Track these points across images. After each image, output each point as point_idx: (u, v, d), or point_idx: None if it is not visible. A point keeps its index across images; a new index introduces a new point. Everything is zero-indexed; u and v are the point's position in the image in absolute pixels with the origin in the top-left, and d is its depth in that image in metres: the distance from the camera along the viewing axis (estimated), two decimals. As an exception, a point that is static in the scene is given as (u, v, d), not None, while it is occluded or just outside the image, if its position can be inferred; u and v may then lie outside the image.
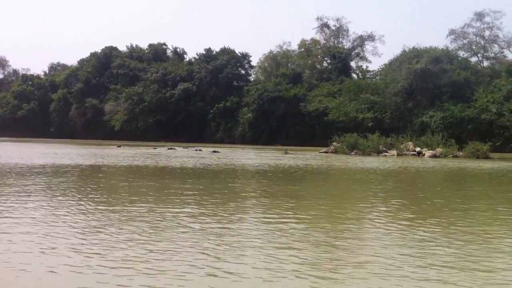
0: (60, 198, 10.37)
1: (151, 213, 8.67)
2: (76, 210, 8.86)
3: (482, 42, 67.70)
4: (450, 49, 65.97)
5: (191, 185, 13.66)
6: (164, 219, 8.09)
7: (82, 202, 9.77)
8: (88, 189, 12.17)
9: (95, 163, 21.85)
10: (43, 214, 8.36)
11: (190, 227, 7.47)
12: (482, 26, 67.02)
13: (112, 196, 10.88)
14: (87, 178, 15.59)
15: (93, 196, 10.84)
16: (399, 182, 17.72)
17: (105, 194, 11.23)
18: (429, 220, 8.54)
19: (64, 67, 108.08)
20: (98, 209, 9.02)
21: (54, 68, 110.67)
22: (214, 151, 38.57)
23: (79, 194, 11.04)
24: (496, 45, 67.63)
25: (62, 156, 27.06)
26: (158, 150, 40.07)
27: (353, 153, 40.05)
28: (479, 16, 66.51)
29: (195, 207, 9.53)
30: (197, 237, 6.81)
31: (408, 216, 9.13)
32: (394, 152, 39.43)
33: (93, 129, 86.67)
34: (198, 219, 8.21)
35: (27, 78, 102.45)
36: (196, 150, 42.23)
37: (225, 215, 8.73)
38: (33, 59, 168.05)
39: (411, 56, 62.70)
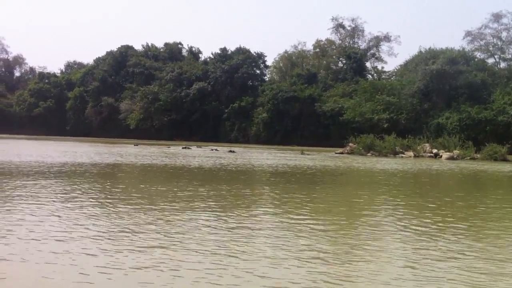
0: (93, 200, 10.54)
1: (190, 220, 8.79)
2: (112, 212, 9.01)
3: (499, 43, 67.04)
4: (467, 50, 65.51)
5: (213, 187, 13.78)
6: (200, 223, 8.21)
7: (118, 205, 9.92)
8: (120, 192, 12.33)
9: (115, 162, 22.05)
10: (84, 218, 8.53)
11: (216, 227, 7.60)
12: (499, 27, 66.39)
13: (145, 201, 11.03)
14: (115, 179, 15.75)
15: (132, 200, 10.99)
16: (420, 185, 17.69)
17: (142, 199, 11.37)
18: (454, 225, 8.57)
19: (80, 65, 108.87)
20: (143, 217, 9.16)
21: (71, 66, 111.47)
22: (230, 151, 38.71)
23: (111, 196, 11.20)
24: (513, 47, 66.94)
25: (81, 154, 27.31)
26: (174, 149, 40.28)
27: (369, 154, 39.99)
28: (496, 17, 65.88)
29: (220, 210, 9.65)
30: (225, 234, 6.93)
31: (430, 220, 9.16)
32: (411, 153, 39.30)
33: (109, 127, 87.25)
34: (223, 219, 8.34)
35: (43, 76, 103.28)
36: (212, 149, 42.41)
37: (247, 216, 8.82)
38: (49, 57, 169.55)
39: (427, 57, 62.30)
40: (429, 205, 11.16)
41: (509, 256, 6.43)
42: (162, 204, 9.81)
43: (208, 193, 11.74)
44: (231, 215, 8.76)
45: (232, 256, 5.98)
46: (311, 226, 8.02)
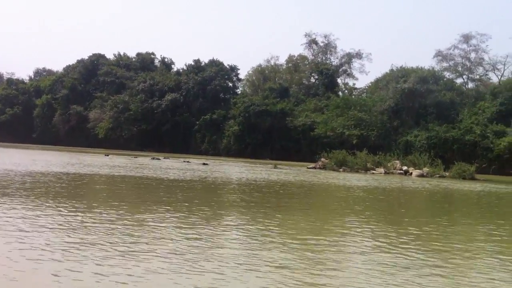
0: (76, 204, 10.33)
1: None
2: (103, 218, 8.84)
3: (467, 64, 68.75)
4: (436, 69, 66.95)
5: (197, 199, 13.68)
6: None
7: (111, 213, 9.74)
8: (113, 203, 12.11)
9: (92, 172, 21.69)
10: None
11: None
12: (468, 48, 68.11)
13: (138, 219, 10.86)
14: (98, 191, 15.48)
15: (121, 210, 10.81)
16: (394, 202, 17.92)
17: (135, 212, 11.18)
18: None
19: (50, 72, 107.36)
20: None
21: (40, 73, 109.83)
22: (204, 163, 38.53)
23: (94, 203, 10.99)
24: (481, 68, 68.81)
25: (55, 163, 26.78)
26: (143, 160, 39.84)
27: (341, 169, 40.31)
28: (466, 38, 67.56)
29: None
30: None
31: (405, 239, 9.26)
32: (382, 170, 39.74)
33: (77, 136, 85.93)
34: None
35: (11, 82, 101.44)
36: (184, 161, 42.16)
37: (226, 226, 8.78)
38: (18, 63, 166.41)
39: (398, 75, 63.48)
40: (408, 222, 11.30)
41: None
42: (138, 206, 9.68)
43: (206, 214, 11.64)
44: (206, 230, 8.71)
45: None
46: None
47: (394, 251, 7.74)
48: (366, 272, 6.34)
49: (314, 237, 8.67)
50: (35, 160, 29.24)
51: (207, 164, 38.32)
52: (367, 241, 8.60)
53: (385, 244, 8.28)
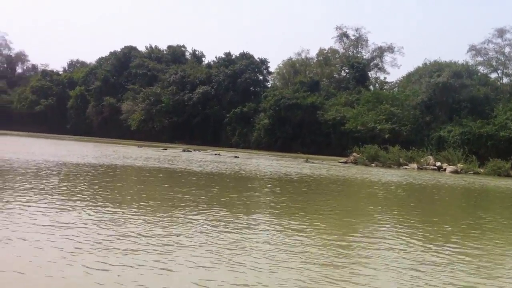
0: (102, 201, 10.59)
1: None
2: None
3: (502, 58, 67.41)
4: (470, 64, 65.78)
5: (238, 193, 13.85)
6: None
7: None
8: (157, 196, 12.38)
9: (128, 164, 22.09)
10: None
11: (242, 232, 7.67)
12: (502, 43, 66.78)
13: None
14: (142, 183, 15.79)
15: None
16: (433, 199, 17.81)
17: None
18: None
19: (83, 64, 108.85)
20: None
21: (73, 65, 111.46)
22: (235, 156, 38.80)
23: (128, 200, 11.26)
24: (516, 62, 67.31)
25: (98, 156, 27.34)
26: (174, 152, 40.28)
27: (373, 164, 40.10)
28: (500, 32, 66.21)
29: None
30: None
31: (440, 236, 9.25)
32: (415, 165, 39.42)
33: (109, 127, 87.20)
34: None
35: (46, 74, 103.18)
36: (215, 154, 42.50)
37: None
38: (52, 55, 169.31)
39: (432, 69, 62.54)
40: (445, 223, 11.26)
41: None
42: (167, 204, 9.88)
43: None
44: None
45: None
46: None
47: (434, 249, 7.76)
48: (399, 271, 6.38)
49: (349, 236, 8.74)
50: (70, 151, 29.88)
51: (238, 157, 38.58)
52: (406, 239, 8.63)
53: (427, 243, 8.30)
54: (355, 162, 41.59)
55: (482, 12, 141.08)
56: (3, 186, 11.44)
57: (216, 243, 7.07)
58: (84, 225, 7.71)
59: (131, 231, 7.47)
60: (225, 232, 7.92)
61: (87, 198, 10.57)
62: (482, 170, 38.79)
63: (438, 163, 39.97)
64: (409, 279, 5.95)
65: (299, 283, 5.53)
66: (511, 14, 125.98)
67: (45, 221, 7.76)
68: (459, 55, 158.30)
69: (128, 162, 23.68)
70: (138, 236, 7.17)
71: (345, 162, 42.20)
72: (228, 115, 76.73)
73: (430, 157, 41.68)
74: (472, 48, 67.81)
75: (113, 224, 7.95)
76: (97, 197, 10.90)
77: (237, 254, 6.58)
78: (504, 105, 57.17)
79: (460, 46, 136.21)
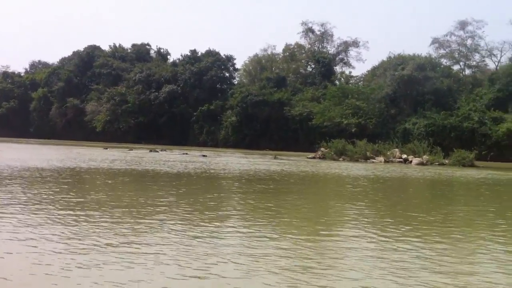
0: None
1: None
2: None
3: (464, 50, 68.78)
4: (433, 57, 66.89)
5: (209, 194, 13.65)
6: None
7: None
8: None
9: (94, 166, 21.62)
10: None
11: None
12: (464, 35, 68.17)
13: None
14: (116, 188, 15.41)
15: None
16: (401, 192, 17.93)
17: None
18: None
19: (45, 65, 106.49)
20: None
21: (35, 66, 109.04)
22: (203, 155, 38.50)
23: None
24: (478, 54, 68.84)
25: (64, 159, 26.68)
26: (141, 153, 39.76)
27: (341, 159, 40.37)
28: (462, 25, 67.58)
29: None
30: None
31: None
32: (381, 158, 39.82)
33: (74, 129, 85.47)
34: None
35: (7, 76, 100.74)
36: (183, 153, 42.08)
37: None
38: (13, 56, 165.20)
39: (396, 62, 63.34)
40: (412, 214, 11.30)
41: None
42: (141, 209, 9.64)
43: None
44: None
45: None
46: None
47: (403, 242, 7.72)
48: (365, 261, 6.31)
49: (319, 227, 8.65)
50: (34, 155, 29.14)
51: (206, 155, 38.30)
52: (374, 233, 8.59)
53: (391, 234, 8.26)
54: (323, 157, 41.79)
55: (444, 5, 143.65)
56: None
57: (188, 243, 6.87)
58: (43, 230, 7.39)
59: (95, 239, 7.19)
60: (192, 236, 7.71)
61: (50, 203, 10.20)
62: (447, 161, 39.48)
63: (404, 156, 40.46)
64: (378, 277, 5.85)
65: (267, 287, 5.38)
66: (473, 6, 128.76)
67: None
68: (422, 48, 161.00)
69: (94, 164, 23.18)
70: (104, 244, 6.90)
71: (313, 158, 42.33)
72: (195, 114, 76.26)
73: (396, 149, 42.17)
74: (435, 41, 69.10)
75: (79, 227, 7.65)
76: (60, 202, 10.53)
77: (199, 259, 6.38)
78: (466, 96, 58.37)
79: (423, 39, 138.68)
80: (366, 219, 10.26)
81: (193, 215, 9.67)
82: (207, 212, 10.10)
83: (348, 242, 7.74)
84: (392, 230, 8.92)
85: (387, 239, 8.05)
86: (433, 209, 12.46)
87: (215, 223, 8.90)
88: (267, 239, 7.74)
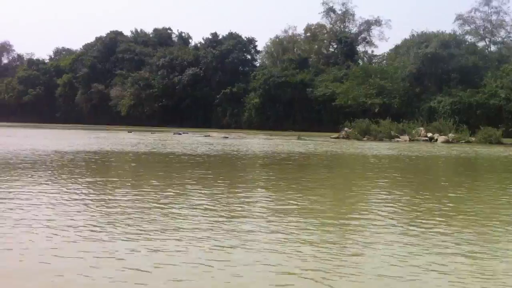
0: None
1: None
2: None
3: (489, 26, 67.57)
4: (458, 33, 65.91)
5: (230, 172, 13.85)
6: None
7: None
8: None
9: (129, 150, 22.02)
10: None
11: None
12: (489, 11, 67.00)
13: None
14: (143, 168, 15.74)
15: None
16: (428, 170, 17.91)
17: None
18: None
19: (69, 51, 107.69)
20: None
21: (59, 52, 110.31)
22: (225, 137, 38.75)
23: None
24: (503, 30, 67.65)
25: (96, 143, 27.23)
26: (163, 136, 40.19)
27: (365, 138, 40.28)
28: (487, 0, 66.30)
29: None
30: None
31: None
32: (406, 137, 39.64)
33: (99, 114, 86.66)
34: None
35: (32, 63, 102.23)
36: (205, 135, 42.40)
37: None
38: (37, 44, 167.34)
39: (420, 40, 62.57)
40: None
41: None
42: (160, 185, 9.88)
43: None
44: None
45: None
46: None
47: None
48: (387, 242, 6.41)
49: (344, 215, 8.78)
50: (61, 139, 29.72)
51: (227, 137, 38.53)
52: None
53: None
54: (347, 137, 41.75)
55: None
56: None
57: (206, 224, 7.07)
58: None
59: (128, 215, 7.44)
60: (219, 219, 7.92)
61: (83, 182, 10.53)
62: (473, 139, 39.10)
63: (430, 134, 40.21)
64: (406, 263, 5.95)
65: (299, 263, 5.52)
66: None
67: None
68: (446, 25, 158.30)
69: (119, 148, 23.61)
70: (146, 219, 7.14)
71: (337, 137, 42.32)
72: (218, 96, 76.53)
73: (421, 128, 41.90)
74: (459, 17, 68.04)
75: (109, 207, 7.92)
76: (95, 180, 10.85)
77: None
78: (492, 73, 57.41)
79: (447, 16, 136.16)
80: (396, 200, 10.35)
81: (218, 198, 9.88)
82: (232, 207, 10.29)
83: (377, 226, 7.86)
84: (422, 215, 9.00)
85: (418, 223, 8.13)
86: (461, 187, 12.46)
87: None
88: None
